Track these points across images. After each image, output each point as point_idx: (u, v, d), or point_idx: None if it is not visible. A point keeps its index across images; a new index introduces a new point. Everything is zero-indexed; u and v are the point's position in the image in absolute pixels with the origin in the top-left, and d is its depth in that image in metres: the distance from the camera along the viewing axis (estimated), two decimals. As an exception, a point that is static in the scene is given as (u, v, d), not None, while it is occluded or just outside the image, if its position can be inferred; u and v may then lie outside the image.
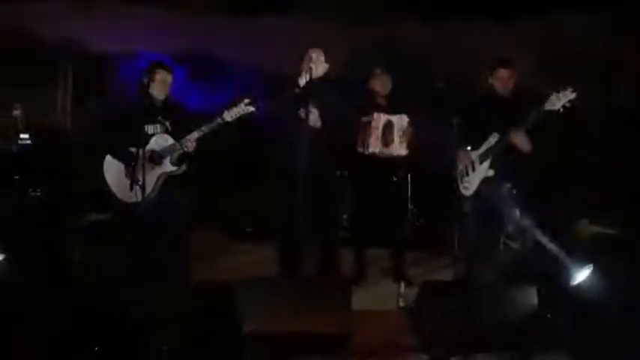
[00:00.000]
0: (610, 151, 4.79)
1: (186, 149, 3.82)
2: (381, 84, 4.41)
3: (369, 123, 4.35)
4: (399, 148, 4.35)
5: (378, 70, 4.41)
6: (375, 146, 4.34)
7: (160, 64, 4.04)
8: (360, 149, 4.39)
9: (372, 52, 5.47)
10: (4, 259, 3.39)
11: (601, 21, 5.27)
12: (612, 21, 5.24)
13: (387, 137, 4.32)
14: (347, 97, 4.20)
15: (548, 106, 3.61)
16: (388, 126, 4.33)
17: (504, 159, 3.86)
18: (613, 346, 3.16)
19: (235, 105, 3.84)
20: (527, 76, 4.18)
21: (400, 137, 4.34)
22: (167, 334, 3.09)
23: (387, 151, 4.36)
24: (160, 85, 3.90)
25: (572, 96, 3.55)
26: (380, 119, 4.34)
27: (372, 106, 4.42)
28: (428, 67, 5.65)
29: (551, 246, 3.52)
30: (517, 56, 4.16)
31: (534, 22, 5.43)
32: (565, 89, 3.57)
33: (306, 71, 3.91)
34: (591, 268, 3.34)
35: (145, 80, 3.89)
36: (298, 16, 5.77)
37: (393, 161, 4.41)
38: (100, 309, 3.20)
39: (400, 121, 4.33)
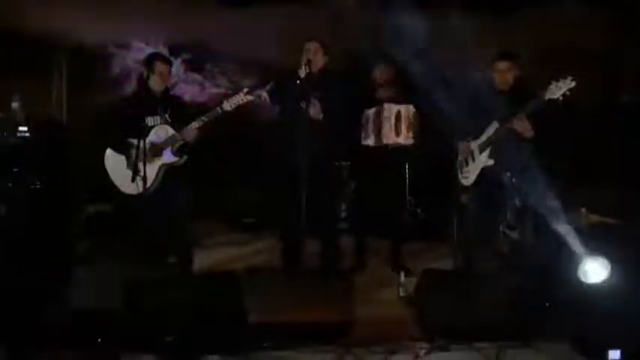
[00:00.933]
0: (609, 141, 4.81)
1: (186, 139, 3.82)
2: (386, 74, 4.38)
3: (379, 113, 4.31)
4: (406, 138, 4.31)
5: (382, 60, 4.38)
6: (388, 137, 4.29)
7: (158, 56, 4.04)
8: (368, 141, 4.34)
9: (371, 42, 5.44)
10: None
11: (602, 12, 5.26)
12: (614, 13, 5.24)
13: (398, 127, 4.30)
14: (349, 88, 4.19)
15: (548, 95, 3.62)
16: (398, 116, 4.30)
17: (504, 148, 3.87)
18: (613, 334, 3.18)
19: (234, 94, 3.84)
20: (529, 68, 4.17)
21: (407, 127, 4.29)
22: (170, 324, 3.10)
23: (396, 141, 4.31)
24: (159, 77, 3.89)
25: (572, 84, 3.56)
26: (392, 110, 4.29)
27: (379, 96, 4.38)
28: (429, 58, 5.63)
29: (561, 231, 3.51)
30: (519, 48, 4.16)
31: (536, 14, 5.42)
32: (564, 78, 3.58)
33: (306, 63, 3.90)
34: (609, 268, 3.31)
35: (144, 72, 3.89)
36: (296, 6, 5.75)
37: (398, 152, 4.39)
38: (103, 300, 3.20)
39: (407, 110, 4.30)
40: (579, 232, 3.46)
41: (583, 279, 3.31)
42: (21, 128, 4.61)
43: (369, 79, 4.46)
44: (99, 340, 3.13)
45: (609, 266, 3.29)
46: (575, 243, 3.43)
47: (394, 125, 4.29)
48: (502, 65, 3.93)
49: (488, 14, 5.70)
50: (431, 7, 5.62)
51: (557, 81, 3.59)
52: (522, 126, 3.75)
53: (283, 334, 3.19)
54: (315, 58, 3.95)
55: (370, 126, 4.35)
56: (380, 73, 4.42)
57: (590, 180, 4.69)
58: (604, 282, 3.27)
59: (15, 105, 4.73)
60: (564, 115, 3.79)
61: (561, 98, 3.58)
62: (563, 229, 3.52)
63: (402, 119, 4.30)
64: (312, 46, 3.99)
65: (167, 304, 3.14)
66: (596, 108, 5.08)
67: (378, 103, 4.36)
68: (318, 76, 3.96)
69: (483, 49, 4.40)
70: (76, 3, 5.67)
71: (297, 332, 3.20)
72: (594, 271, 3.31)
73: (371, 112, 4.35)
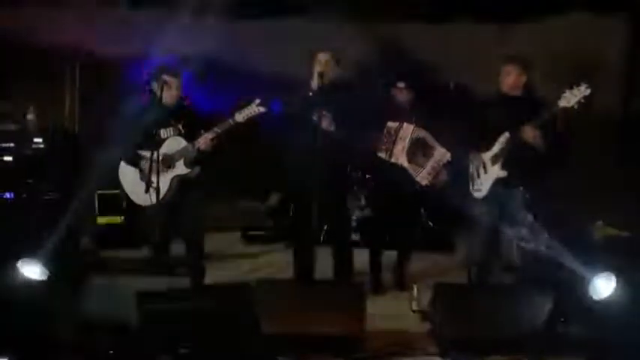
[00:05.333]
0: (625, 152, 4.75)
1: (199, 151, 3.83)
2: (403, 97, 4.30)
3: (397, 131, 4.25)
4: (424, 178, 4.22)
5: (400, 85, 4.28)
6: (398, 157, 4.23)
7: (169, 68, 4.06)
8: (382, 154, 4.29)
9: (384, 56, 5.45)
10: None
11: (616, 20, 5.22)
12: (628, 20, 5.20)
13: (416, 155, 4.21)
14: (361, 101, 4.18)
15: (562, 103, 3.58)
16: (416, 142, 4.22)
17: (516, 159, 3.83)
18: (628, 350, 3.13)
19: (246, 106, 3.85)
20: (541, 76, 4.13)
21: (433, 169, 4.21)
22: (182, 336, 3.09)
23: (410, 169, 4.23)
24: (169, 89, 3.91)
25: (587, 92, 3.51)
26: (408, 130, 4.23)
27: (397, 112, 4.30)
28: (438, 69, 5.63)
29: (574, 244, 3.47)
30: (530, 56, 4.12)
31: (548, 21, 5.39)
32: (579, 86, 3.54)
33: (318, 74, 3.92)
34: (614, 281, 3.28)
35: (155, 84, 3.91)
36: (309, 18, 5.77)
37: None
38: (114, 312, 3.20)
39: (443, 155, 4.20)
40: (594, 245, 3.43)
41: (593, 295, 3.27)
42: (35, 139, 4.65)
43: (390, 96, 4.36)
44: (110, 352, 3.13)
45: (615, 282, 3.24)
46: (588, 257, 3.40)
47: (408, 148, 4.22)
48: (511, 69, 3.88)
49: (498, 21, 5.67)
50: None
51: (571, 89, 3.55)
52: (531, 136, 3.71)
53: (295, 346, 3.17)
54: (327, 69, 3.96)
55: (387, 140, 4.29)
56: (402, 94, 4.29)
57: (606, 191, 4.63)
58: (611, 297, 3.22)
59: (30, 116, 4.78)
60: (577, 124, 3.75)
61: (576, 107, 3.54)
62: (578, 242, 3.49)
63: (430, 159, 4.19)
64: (324, 58, 4.00)
65: (178, 315, 3.13)
66: (611, 116, 5.02)
67: (407, 121, 4.27)
68: (330, 87, 3.96)
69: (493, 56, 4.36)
70: (89, 15, 5.73)
71: (309, 344, 3.18)
72: (602, 286, 3.27)
73: (392, 126, 4.30)
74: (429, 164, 4.21)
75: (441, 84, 5.45)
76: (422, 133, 4.24)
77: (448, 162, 4.21)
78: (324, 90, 3.89)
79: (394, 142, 4.26)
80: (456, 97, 5.25)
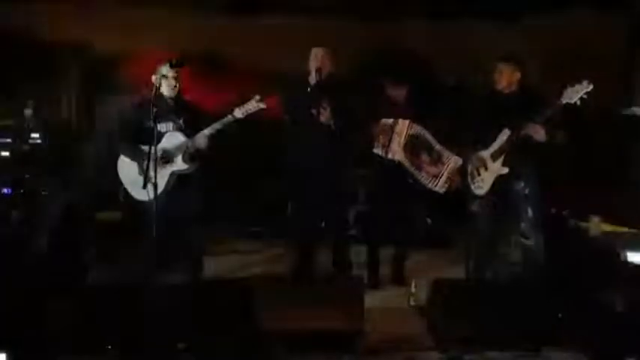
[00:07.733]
0: (622, 149, 4.76)
1: (197, 146, 3.83)
2: (398, 93, 4.30)
3: (393, 127, 4.25)
4: (442, 187, 4.21)
5: (394, 81, 4.28)
6: (395, 153, 4.24)
7: (170, 63, 4.04)
8: (378, 151, 4.30)
9: (380, 52, 5.45)
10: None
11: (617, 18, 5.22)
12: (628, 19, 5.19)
13: (415, 152, 4.21)
14: (360, 95, 4.18)
15: (565, 99, 3.58)
16: (414, 139, 4.21)
17: (518, 155, 3.84)
18: (626, 344, 3.14)
19: (246, 102, 3.85)
20: (541, 74, 4.14)
21: (451, 175, 4.19)
22: (182, 332, 3.09)
23: (423, 177, 4.24)
24: (170, 84, 3.91)
25: (589, 88, 3.51)
26: (404, 126, 4.23)
27: (393, 108, 4.30)
28: (436, 66, 5.63)
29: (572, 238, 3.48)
30: (529, 54, 4.13)
31: (549, 20, 5.39)
32: (580, 82, 3.54)
33: (317, 70, 3.92)
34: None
35: (156, 79, 3.89)
36: (307, 14, 5.77)
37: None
38: (114, 307, 3.20)
39: (456, 162, 4.18)
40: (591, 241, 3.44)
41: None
42: (33, 135, 4.63)
43: (385, 93, 4.37)
44: (108, 347, 3.12)
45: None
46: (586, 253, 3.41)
47: (404, 144, 4.21)
48: (505, 68, 3.88)
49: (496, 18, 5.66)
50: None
51: (573, 85, 3.56)
52: (536, 131, 3.71)
53: (294, 342, 3.17)
54: (323, 64, 3.97)
55: (383, 136, 4.29)
56: (396, 91, 4.30)
57: (604, 187, 4.64)
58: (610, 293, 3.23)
59: (28, 112, 4.76)
60: (578, 119, 3.75)
61: (579, 102, 3.54)
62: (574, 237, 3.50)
63: (443, 167, 4.18)
64: (320, 53, 4.01)
65: (177, 311, 3.13)
66: (610, 113, 5.02)
67: (402, 117, 4.27)
68: (327, 81, 3.97)
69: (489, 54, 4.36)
70: (88, 11, 5.72)
71: (309, 339, 3.19)
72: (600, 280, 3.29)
73: (388, 122, 4.30)
74: (445, 174, 4.19)
75: (438, 80, 5.46)
76: (418, 129, 4.24)
77: (460, 166, 4.19)
78: (322, 84, 3.90)
79: (390, 139, 4.27)
80: (453, 94, 5.25)
